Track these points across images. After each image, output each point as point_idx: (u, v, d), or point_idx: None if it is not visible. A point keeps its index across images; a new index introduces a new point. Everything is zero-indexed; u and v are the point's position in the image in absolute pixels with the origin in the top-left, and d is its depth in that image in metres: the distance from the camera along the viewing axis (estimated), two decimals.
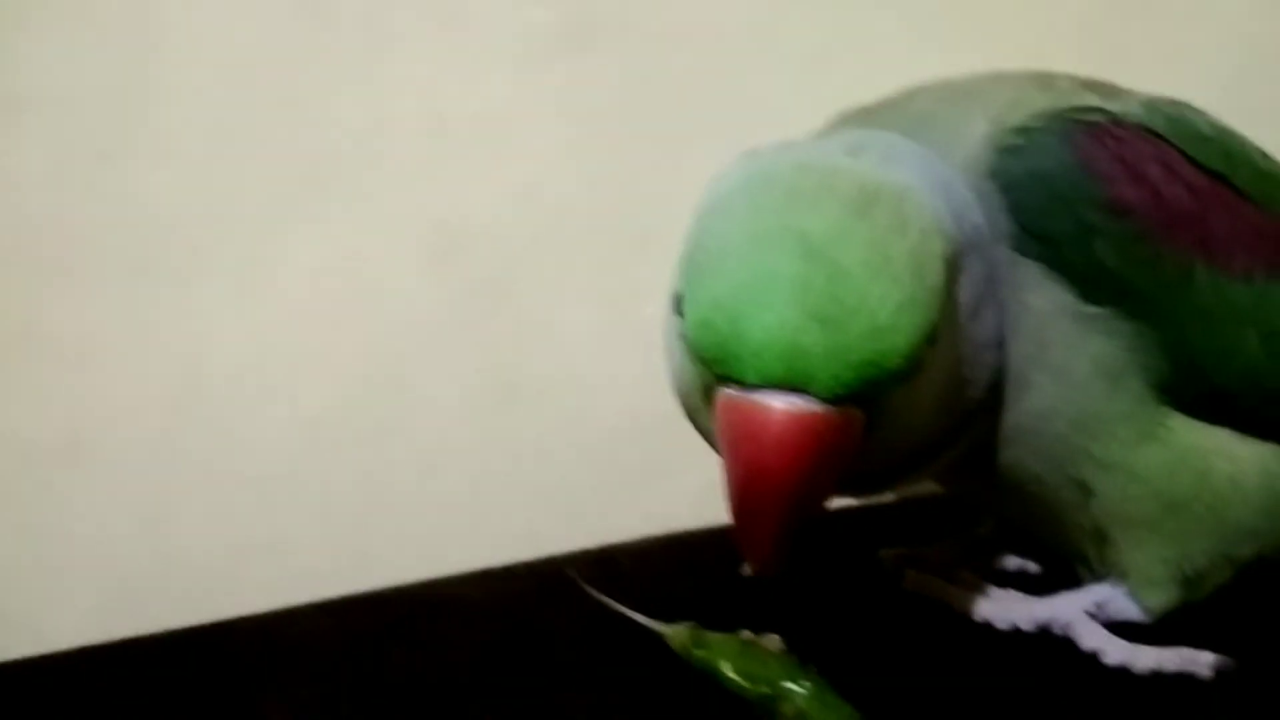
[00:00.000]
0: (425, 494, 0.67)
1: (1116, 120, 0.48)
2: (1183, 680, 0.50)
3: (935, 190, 0.44)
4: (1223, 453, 0.48)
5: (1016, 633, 0.53)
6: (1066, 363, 0.47)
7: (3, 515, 0.61)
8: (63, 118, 0.59)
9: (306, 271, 0.64)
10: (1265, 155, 0.52)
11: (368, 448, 0.66)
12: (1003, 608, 0.53)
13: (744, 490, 0.41)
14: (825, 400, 0.39)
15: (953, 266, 0.42)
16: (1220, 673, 0.50)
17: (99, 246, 0.61)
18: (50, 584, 0.62)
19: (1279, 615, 0.53)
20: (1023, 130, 0.47)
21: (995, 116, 0.48)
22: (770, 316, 0.38)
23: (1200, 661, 0.50)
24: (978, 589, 0.55)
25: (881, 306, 0.39)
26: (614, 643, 0.50)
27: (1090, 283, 0.46)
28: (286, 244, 0.63)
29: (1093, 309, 0.46)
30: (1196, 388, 0.48)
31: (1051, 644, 0.52)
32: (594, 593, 0.52)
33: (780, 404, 0.39)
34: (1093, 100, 0.49)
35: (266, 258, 0.63)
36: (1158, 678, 0.50)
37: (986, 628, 0.53)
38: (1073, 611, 0.52)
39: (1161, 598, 0.51)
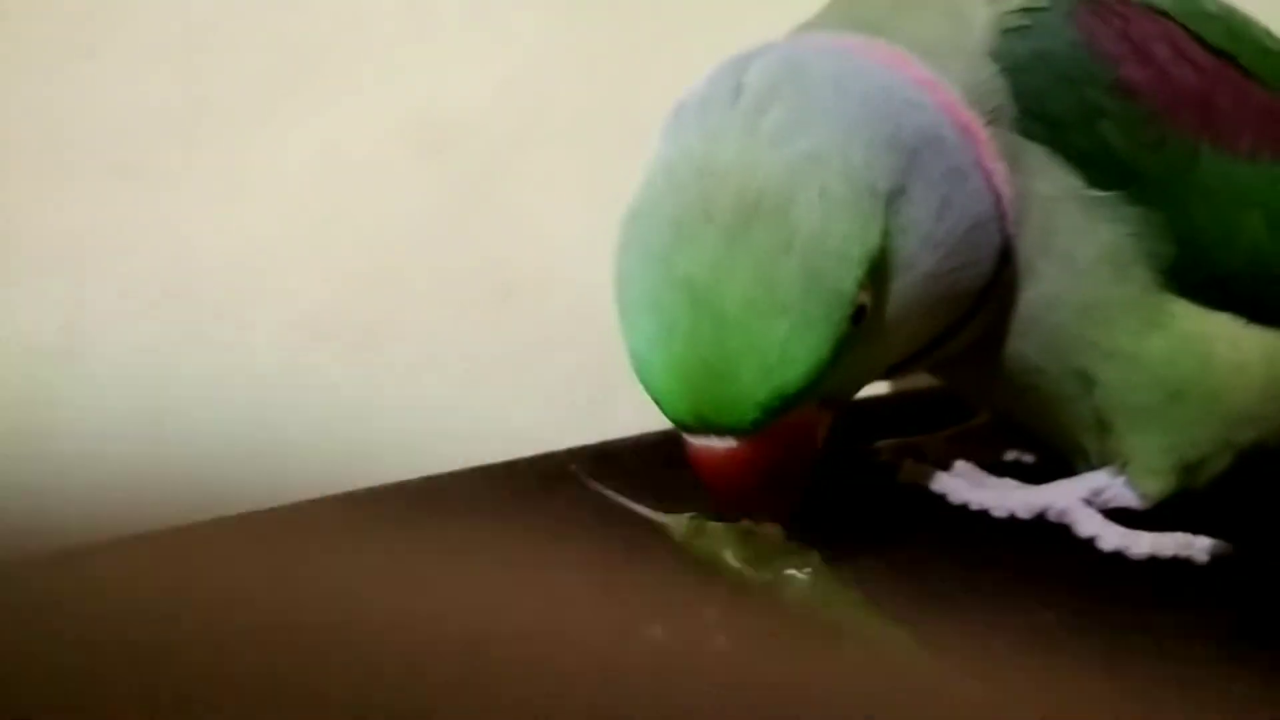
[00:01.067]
0: (421, 392, 0.67)
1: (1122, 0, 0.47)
2: (1179, 564, 0.50)
3: (854, 124, 0.41)
4: (1226, 339, 0.49)
5: (1013, 520, 0.53)
6: (1072, 249, 0.47)
7: (3, 419, 0.61)
8: (42, 16, 0.58)
9: (294, 167, 0.63)
10: (1270, 34, 0.51)
11: (365, 346, 0.66)
12: (999, 496, 0.53)
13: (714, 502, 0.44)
14: (743, 434, 0.41)
15: (887, 202, 0.41)
16: (1216, 557, 0.50)
17: (84, 147, 0.60)
18: (49, 485, 0.62)
19: (1275, 499, 0.54)
20: (1026, 10, 0.46)
21: None
22: (671, 374, 0.40)
23: (1196, 546, 0.50)
24: (974, 478, 0.55)
25: (769, 344, 0.39)
26: (618, 535, 0.50)
27: (1096, 166, 0.46)
28: (272, 140, 0.63)
29: (1098, 193, 0.46)
30: (1201, 272, 0.48)
31: (1048, 531, 0.52)
32: (597, 485, 0.52)
33: (700, 444, 0.42)
34: None
35: (253, 154, 0.63)
36: (1153, 562, 0.50)
37: (983, 516, 0.53)
38: (1069, 498, 0.52)
39: (1160, 485, 0.51)
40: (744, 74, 0.43)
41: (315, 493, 0.59)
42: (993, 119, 0.46)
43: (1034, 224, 0.46)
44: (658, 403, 0.42)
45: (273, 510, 0.58)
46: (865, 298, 0.41)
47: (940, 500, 0.55)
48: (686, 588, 0.48)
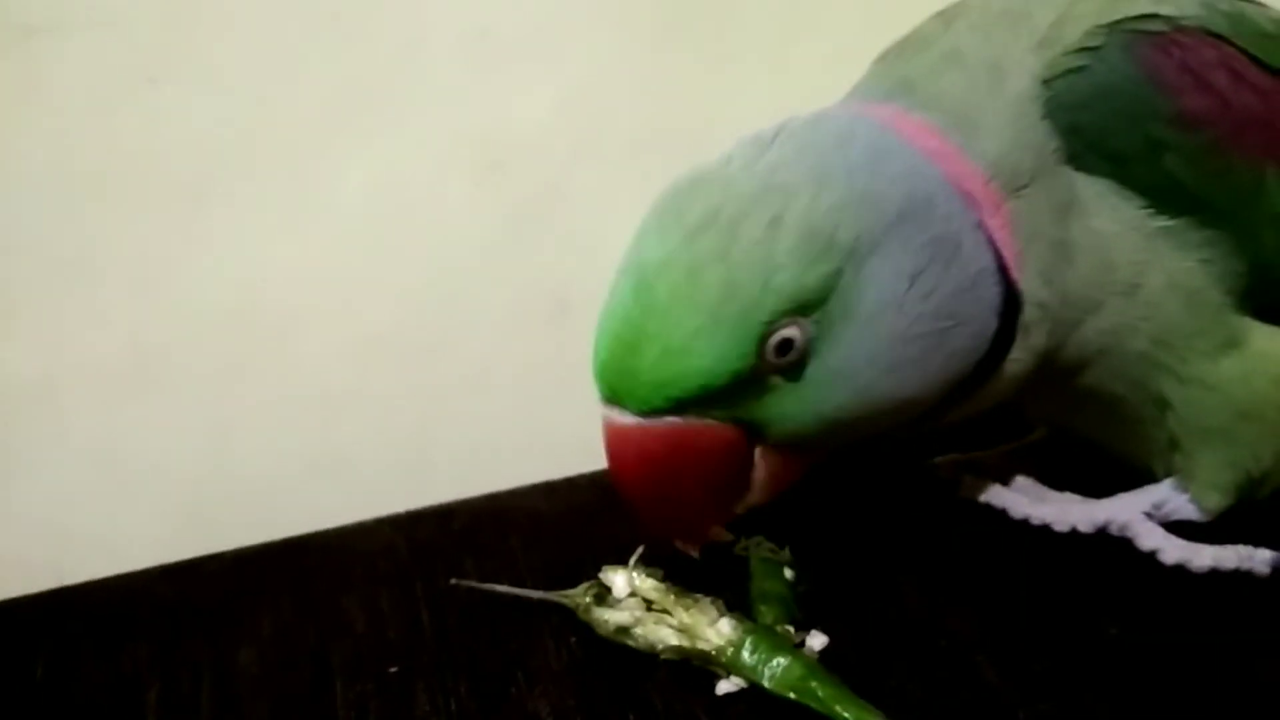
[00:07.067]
0: (479, 409, 0.68)
1: (1178, 26, 0.47)
2: (1240, 577, 0.50)
3: (837, 175, 0.43)
4: None
5: (1074, 534, 0.53)
6: (1138, 280, 0.47)
7: (73, 439, 0.63)
8: (110, 42, 0.59)
9: (355, 190, 0.64)
10: None
11: (424, 364, 0.67)
12: (1060, 511, 0.54)
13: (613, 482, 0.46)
14: (642, 414, 0.43)
15: (847, 254, 0.42)
16: (1277, 569, 0.50)
17: (151, 171, 0.61)
18: (121, 505, 0.64)
19: None
20: (1083, 50, 0.46)
21: (1043, 40, 0.47)
22: (604, 341, 0.44)
23: (1258, 559, 0.51)
24: (1034, 493, 0.55)
25: (676, 332, 0.42)
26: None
27: (1162, 197, 0.46)
28: (333, 163, 0.63)
29: (1163, 222, 0.46)
30: (1272, 293, 0.48)
31: (1110, 545, 0.53)
32: (466, 583, 0.54)
33: (608, 416, 0.44)
34: (1145, 4, 0.47)
35: (316, 178, 0.63)
36: (1215, 575, 0.51)
37: (1044, 530, 0.54)
38: (1130, 512, 0.53)
39: (1222, 498, 0.51)
40: (787, 124, 0.46)
41: (375, 510, 0.61)
42: (1031, 174, 0.46)
43: (1090, 262, 0.46)
44: (594, 372, 0.44)
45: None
46: (793, 333, 0.42)
47: (1001, 515, 0.55)
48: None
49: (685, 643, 0.47)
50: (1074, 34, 0.47)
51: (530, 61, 0.65)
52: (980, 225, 0.45)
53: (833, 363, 0.43)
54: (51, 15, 0.58)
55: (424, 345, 0.67)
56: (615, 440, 0.44)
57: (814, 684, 0.45)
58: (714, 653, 0.47)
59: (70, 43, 0.59)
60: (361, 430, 0.66)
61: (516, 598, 0.52)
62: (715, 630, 0.47)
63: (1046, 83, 0.46)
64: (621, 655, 0.49)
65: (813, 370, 0.43)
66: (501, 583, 0.53)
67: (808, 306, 0.42)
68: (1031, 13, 0.48)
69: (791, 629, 0.48)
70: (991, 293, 0.45)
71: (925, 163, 0.45)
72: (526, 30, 0.65)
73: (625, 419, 0.44)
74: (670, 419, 0.43)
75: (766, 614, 0.49)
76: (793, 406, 0.44)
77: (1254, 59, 0.48)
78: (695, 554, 0.48)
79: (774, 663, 0.46)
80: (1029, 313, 0.46)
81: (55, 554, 0.61)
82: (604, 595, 0.50)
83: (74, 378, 0.62)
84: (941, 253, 0.44)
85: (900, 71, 0.49)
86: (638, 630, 0.48)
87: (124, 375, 0.62)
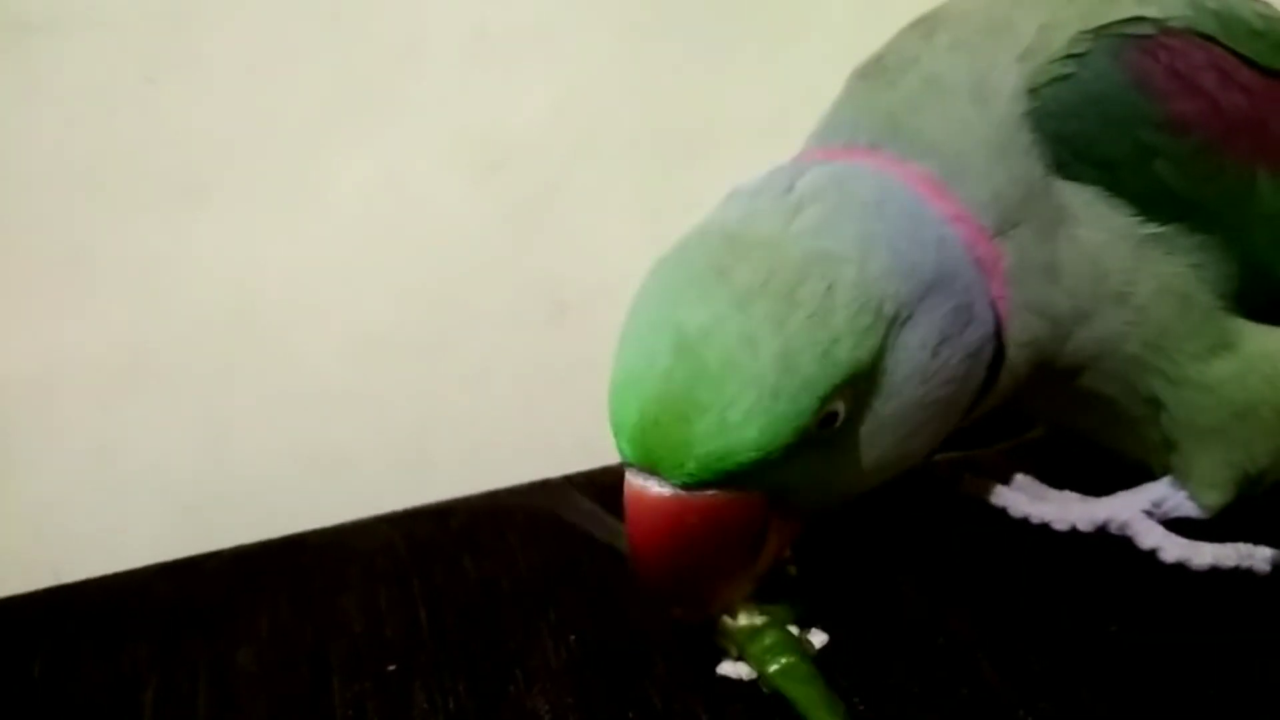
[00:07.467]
0: (477, 407, 0.68)
1: (1165, 29, 0.46)
2: (1241, 575, 0.50)
3: (880, 243, 0.42)
4: None
5: (1074, 533, 0.53)
6: (1128, 288, 0.46)
7: (70, 437, 0.63)
8: (107, 40, 0.59)
9: (354, 189, 0.64)
10: None
11: (422, 363, 0.67)
12: (1060, 509, 0.54)
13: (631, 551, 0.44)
14: (680, 485, 0.41)
15: (889, 325, 0.42)
16: (1278, 567, 0.50)
17: (149, 170, 0.61)
18: (119, 503, 0.63)
19: None
20: (1068, 57, 0.45)
21: (1027, 50, 0.46)
22: (634, 405, 0.41)
23: (1258, 556, 0.50)
24: (1034, 491, 0.55)
25: (734, 404, 0.40)
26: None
27: (1152, 202, 0.45)
28: (332, 162, 0.63)
29: (1153, 229, 0.46)
30: (1264, 292, 0.48)
31: (1109, 543, 0.53)
32: (589, 503, 0.57)
33: (637, 483, 0.42)
34: (1130, 7, 0.47)
35: (314, 177, 0.63)
36: (1215, 573, 0.51)
37: (1044, 529, 0.54)
38: (1130, 511, 0.52)
39: (1221, 496, 0.51)
40: (798, 178, 0.44)
41: (374, 508, 0.61)
42: (1020, 208, 0.45)
43: (1079, 272, 0.46)
44: (615, 432, 0.42)
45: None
46: (840, 406, 0.41)
47: (1001, 514, 0.55)
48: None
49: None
50: (1059, 41, 0.46)
51: (529, 61, 0.65)
52: (988, 292, 0.45)
53: (862, 431, 0.43)
54: (49, 14, 0.58)
55: (422, 344, 0.66)
56: (649, 512, 0.42)
57: (809, 689, 0.45)
58: (735, 631, 0.47)
59: (68, 41, 0.59)
60: (360, 428, 0.66)
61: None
62: (745, 612, 0.47)
63: (1033, 92, 0.45)
64: (620, 653, 0.49)
65: (841, 438, 0.43)
66: (500, 581, 0.54)
67: (859, 379, 0.41)
68: (1014, 21, 0.47)
69: (796, 629, 0.48)
70: (988, 352, 0.45)
71: (950, 231, 0.44)
72: (525, 30, 0.65)
73: (660, 489, 0.41)
74: (710, 491, 0.41)
75: (772, 613, 0.49)
76: (819, 474, 0.43)
77: (1243, 59, 0.47)
78: (697, 623, 0.47)
79: (782, 659, 0.46)
80: (1013, 354, 0.46)
81: (52, 552, 0.61)
82: None
83: (71, 376, 0.62)
84: (958, 322, 0.44)
85: (883, 103, 0.47)
86: None
87: (121, 373, 0.62)
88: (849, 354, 0.41)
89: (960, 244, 0.44)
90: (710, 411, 0.40)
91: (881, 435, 0.43)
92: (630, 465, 0.42)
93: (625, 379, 0.42)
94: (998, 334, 0.45)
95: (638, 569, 0.43)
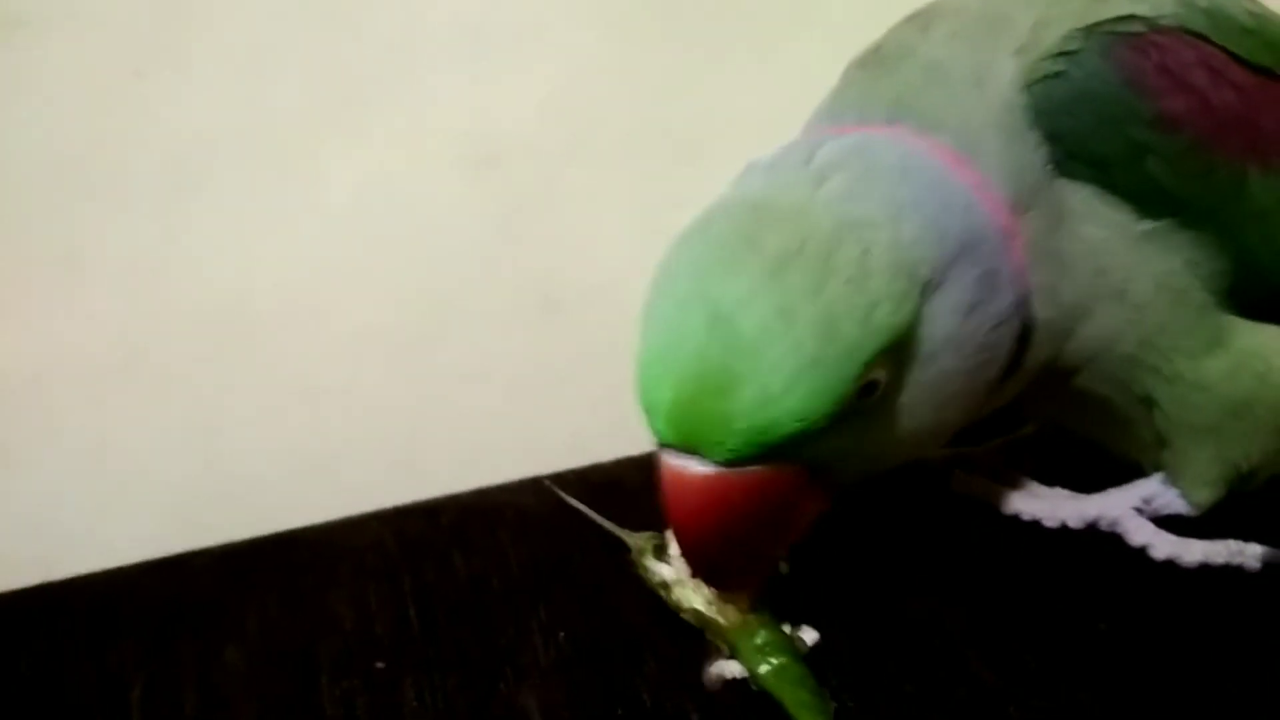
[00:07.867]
0: (469, 405, 0.68)
1: (1155, 27, 0.46)
2: (1231, 572, 0.51)
3: (910, 208, 0.42)
4: None
5: (1065, 530, 0.53)
6: (1126, 285, 0.46)
7: (60, 435, 0.62)
8: (96, 35, 0.59)
9: (346, 186, 0.64)
10: None
11: (413, 360, 0.66)
12: (1050, 506, 0.54)
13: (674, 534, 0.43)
14: (721, 463, 0.40)
15: (923, 290, 0.41)
16: (1268, 564, 0.50)
17: (139, 165, 0.61)
18: (109, 501, 0.63)
19: None
20: (1060, 55, 0.45)
21: (1023, 46, 0.46)
22: (668, 383, 0.40)
23: (1248, 553, 0.51)
24: (1025, 488, 0.55)
25: (775, 375, 0.39)
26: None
27: (1145, 200, 0.45)
28: (325, 159, 0.63)
29: (1148, 225, 0.46)
30: (1257, 289, 0.48)
31: (1100, 540, 0.53)
32: (571, 501, 0.57)
33: (675, 464, 0.41)
34: (1122, 5, 0.47)
35: (305, 173, 0.63)
36: (1206, 570, 0.51)
37: (1035, 526, 0.54)
38: (1120, 508, 0.53)
39: (1211, 493, 0.51)
40: (817, 149, 0.43)
41: (364, 505, 0.60)
42: (1032, 193, 0.45)
43: (1080, 269, 0.46)
44: (648, 412, 0.41)
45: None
46: (880, 374, 0.41)
47: (992, 511, 0.55)
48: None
49: (709, 613, 0.48)
50: (1052, 38, 0.46)
51: (521, 58, 0.65)
52: (1011, 262, 0.44)
53: (900, 401, 0.42)
54: (37, 8, 0.58)
55: (413, 341, 0.66)
56: (692, 493, 0.41)
57: (797, 691, 0.45)
58: (728, 630, 0.47)
59: (56, 36, 0.58)
60: (350, 426, 0.66)
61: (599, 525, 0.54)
62: (737, 611, 0.48)
63: (1027, 88, 0.45)
64: (610, 650, 0.49)
65: (880, 408, 0.42)
66: (490, 578, 0.53)
67: (898, 345, 0.41)
68: (1010, 16, 0.47)
69: (788, 627, 0.48)
70: (1015, 322, 0.45)
71: (974, 197, 0.44)
72: (518, 27, 0.65)
73: (701, 468, 0.40)
74: (753, 467, 0.40)
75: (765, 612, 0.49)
76: (858, 446, 0.42)
77: (1234, 56, 0.47)
78: (745, 603, 0.47)
79: (772, 660, 0.46)
80: (1038, 334, 0.46)
81: (42, 549, 0.60)
82: (662, 548, 0.50)
83: (62, 374, 0.62)
84: (987, 287, 0.43)
85: (887, 88, 0.47)
86: (675, 590, 0.49)
87: (112, 371, 0.62)
88: (889, 319, 0.40)
89: (983, 209, 0.44)
90: (750, 384, 0.39)
91: (920, 404, 0.43)
92: (666, 446, 0.41)
93: (656, 357, 0.40)
94: (1021, 307, 0.45)
95: (687, 550, 0.43)
